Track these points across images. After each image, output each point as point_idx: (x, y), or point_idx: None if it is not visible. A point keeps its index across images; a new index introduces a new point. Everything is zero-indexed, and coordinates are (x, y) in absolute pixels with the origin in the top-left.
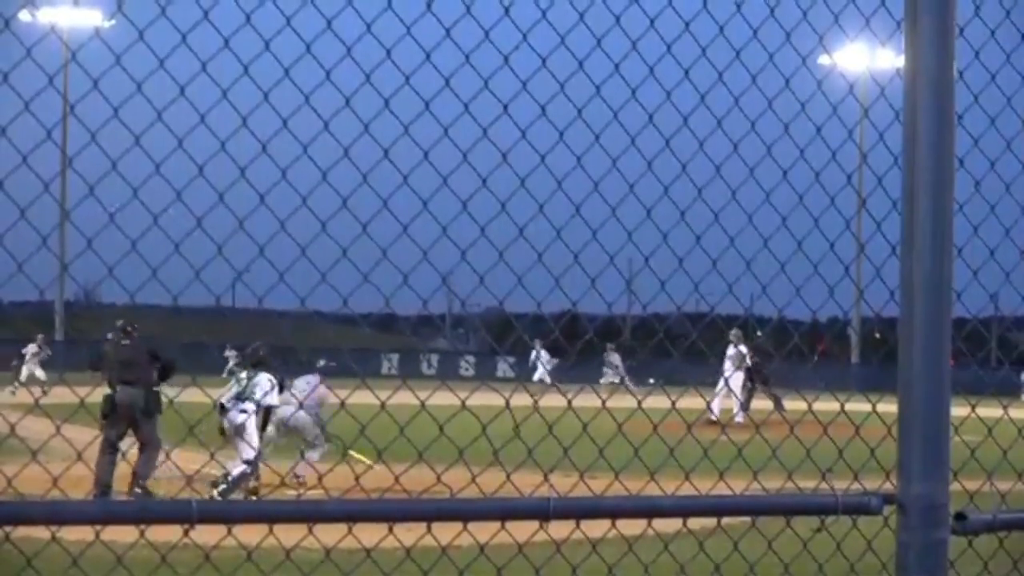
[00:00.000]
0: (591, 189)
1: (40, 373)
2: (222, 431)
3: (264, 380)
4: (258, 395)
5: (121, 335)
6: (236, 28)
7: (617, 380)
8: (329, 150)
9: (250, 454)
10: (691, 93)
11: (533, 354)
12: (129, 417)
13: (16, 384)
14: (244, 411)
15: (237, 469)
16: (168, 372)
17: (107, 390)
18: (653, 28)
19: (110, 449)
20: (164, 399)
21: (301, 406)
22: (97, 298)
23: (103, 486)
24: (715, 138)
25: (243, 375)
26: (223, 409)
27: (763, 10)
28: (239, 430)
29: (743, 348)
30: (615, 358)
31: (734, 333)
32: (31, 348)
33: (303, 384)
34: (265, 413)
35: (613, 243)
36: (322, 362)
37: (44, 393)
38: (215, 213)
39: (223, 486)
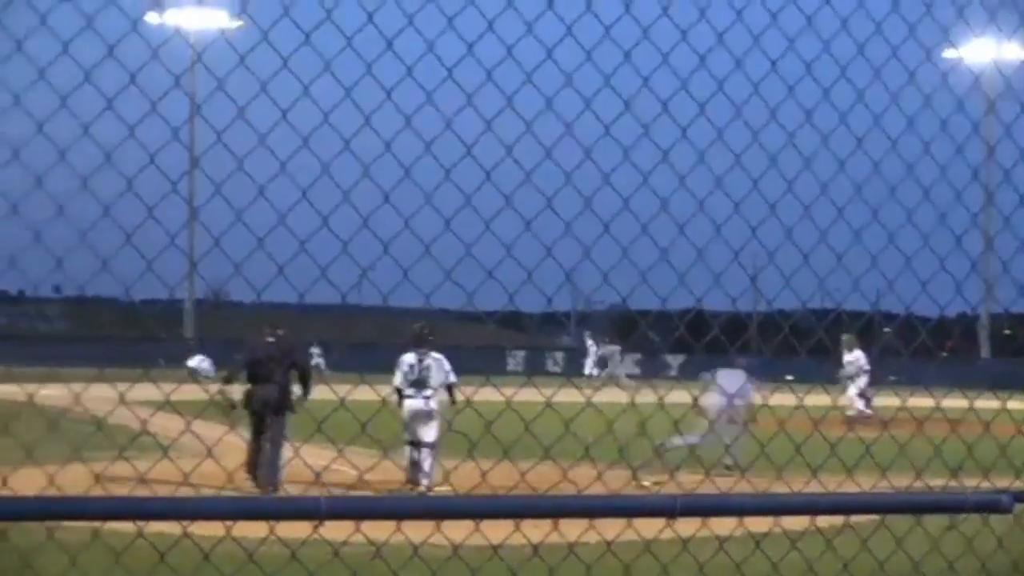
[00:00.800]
0: (714, 185)
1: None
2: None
3: (435, 360)
4: (438, 378)
5: (268, 334)
6: (359, 27)
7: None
8: (452, 148)
9: (434, 436)
10: (813, 88)
11: (590, 346)
12: (262, 413)
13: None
14: (428, 397)
15: (427, 461)
16: (306, 382)
17: (247, 385)
18: (775, 25)
19: (254, 439)
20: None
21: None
22: (225, 296)
23: (252, 472)
24: (839, 133)
25: (408, 359)
26: (400, 394)
27: (886, 3)
28: (428, 416)
29: (858, 353)
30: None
31: (846, 339)
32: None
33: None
34: (449, 389)
35: (737, 239)
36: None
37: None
38: (340, 211)
39: (426, 481)
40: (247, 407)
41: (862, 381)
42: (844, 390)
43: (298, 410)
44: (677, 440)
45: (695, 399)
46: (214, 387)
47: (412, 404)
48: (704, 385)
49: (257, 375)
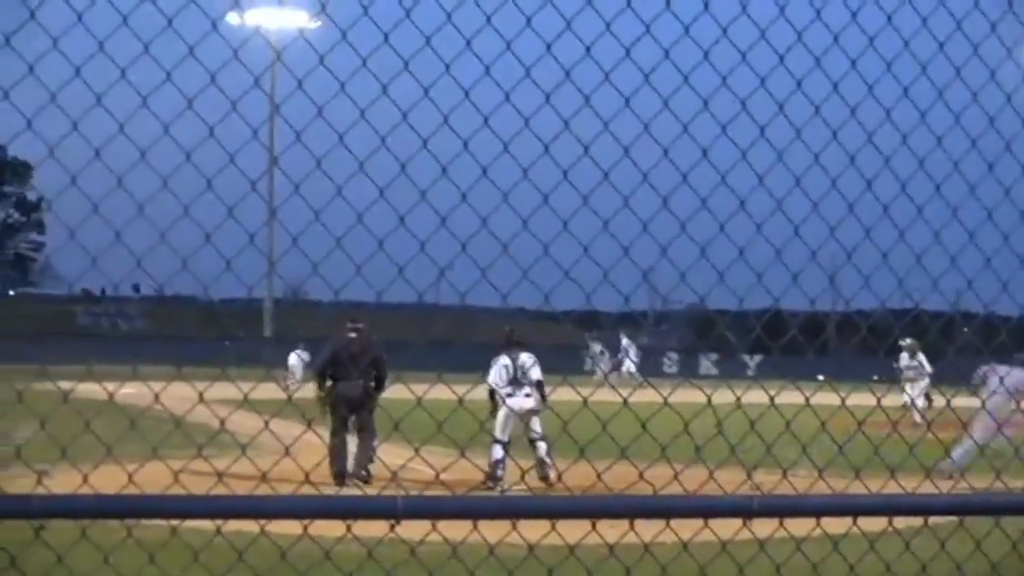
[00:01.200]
0: (792, 185)
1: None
2: (493, 413)
3: (529, 359)
4: (536, 375)
5: (349, 329)
6: (438, 26)
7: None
8: (529, 147)
9: (543, 429)
10: (893, 87)
11: (624, 344)
12: (350, 410)
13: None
14: (528, 394)
15: (544, 450)
16: (381, 380)
17: (329, 382)
18: (854, 23)
19: (339, 437)
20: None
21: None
22: (304, 295)
23: (337, 472)
24: (918, 133)
25: (503, 360)
26: (493, 395)
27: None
28: (533, 412)
29: (921, 357)
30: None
31: (908, 344)
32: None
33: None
34: (540, 388)
35: (816, 239)
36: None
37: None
38: (417, 210)
39: (552, 472)
40: (331, 405)
41: (921, 386)
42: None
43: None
44: (958, 454)
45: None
46: (303, 386)
47: (516, 402)
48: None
49: (341, 372)
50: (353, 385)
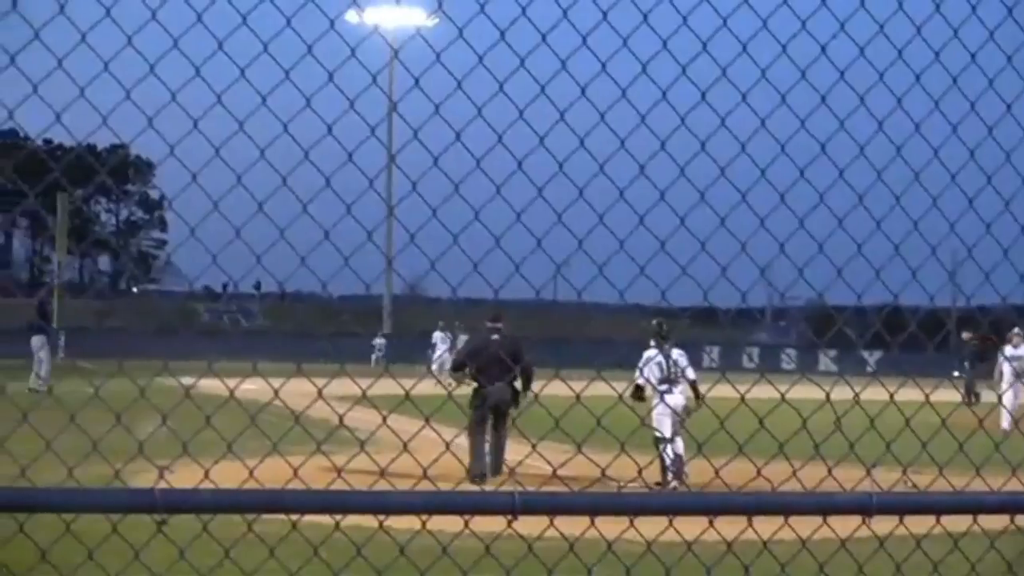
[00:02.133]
0: (911, 180)
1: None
2: (638, 397)
3: (681, 356)
4: (691, 374)
5: (491, 329)
6: (554, 23)
7: None
8: (646, 144)
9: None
10: (1014, 78)
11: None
12: (496, 412)
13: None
14: (683, 392)
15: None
16: (528, 381)
17: (473, 384)
18: (949, 20)
19: (479, 439)
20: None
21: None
22: (422, 292)
23: (478, 473)
24: None
25: (655, 356)
26: (638, 391)
27: None
28: (687, 410)
29: None
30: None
31: (1017, 332)
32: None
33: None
34: (693, 385)
35: (935, 234)
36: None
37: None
38: (534, 207)
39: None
40: (477, 408)
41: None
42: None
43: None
44: None
45: None
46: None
47: (673, 399)
48: None
49: (485, 374)
50: (500, 389)
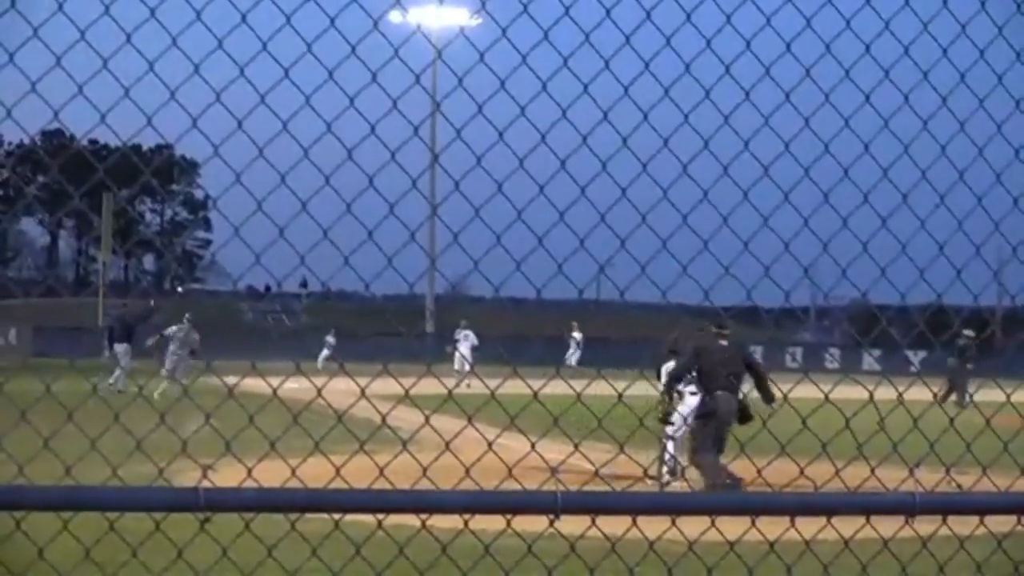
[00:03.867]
0: (956, 179)
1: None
2: (667, 419)
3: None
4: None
5: (717, 334)
6: (597, 22)
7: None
8: (689, 142)
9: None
10: None
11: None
12: (725, 423)
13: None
14: (694, 392)
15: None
16: (764, 384)
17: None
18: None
19: (712, 451)
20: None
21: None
22: (465, 291)
23: (718, 485)
24: None
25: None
26: (668, 395)
27: None
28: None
29: None
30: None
31: None
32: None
33: None
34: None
35: (980, 233)
36: None
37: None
38: (577, 207)
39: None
40: (705, 419)
41: None
42: None
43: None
44: None
45: None
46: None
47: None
48: None
49: (713, 384)
50: (729, 399)
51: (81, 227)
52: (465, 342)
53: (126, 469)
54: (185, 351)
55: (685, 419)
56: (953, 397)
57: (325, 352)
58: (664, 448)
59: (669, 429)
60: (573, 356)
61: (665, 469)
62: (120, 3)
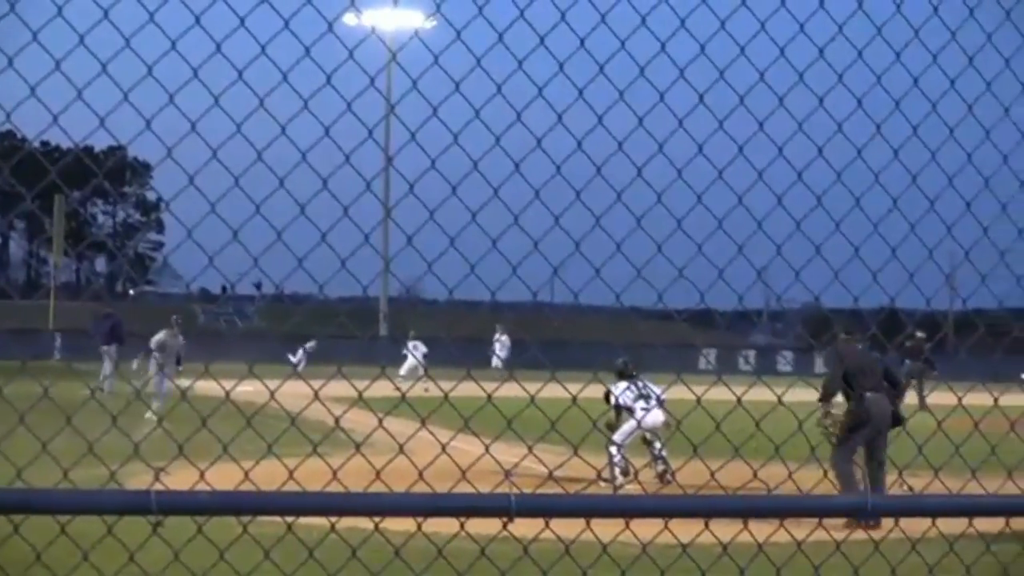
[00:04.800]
0: (909, 182)
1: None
2: (611, 426)
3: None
4: (657, 390)
5: (857, 339)
6: (552, 26)
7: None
8: (643, 145)
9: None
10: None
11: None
12: (880, 428)
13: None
14: (645, 408)
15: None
16: (899, 391)
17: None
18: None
19: (851, 462)
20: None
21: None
22: (419, 294)
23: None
24: None
25: (624, 385)
26: (618, 413)
27: None
28: (665, 425)
29: None
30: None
31: None
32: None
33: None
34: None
35: (932, 236)
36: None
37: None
38: (531, 210)
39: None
40: (855, 430)
41: None
42: None
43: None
44: None
45: None
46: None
47: (651, 418)
48: None
49: (862, 386)
50: (880, 400)
51: (32, 229)
52: (416, 352)
53: (78, 472)
54: (172, 359)
55: (629, 434)
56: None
57: (301, 358)
58: (610, 454)
59: (618, 436)
60: (497, 358)
61: (618, 471)
62: (73, 4)
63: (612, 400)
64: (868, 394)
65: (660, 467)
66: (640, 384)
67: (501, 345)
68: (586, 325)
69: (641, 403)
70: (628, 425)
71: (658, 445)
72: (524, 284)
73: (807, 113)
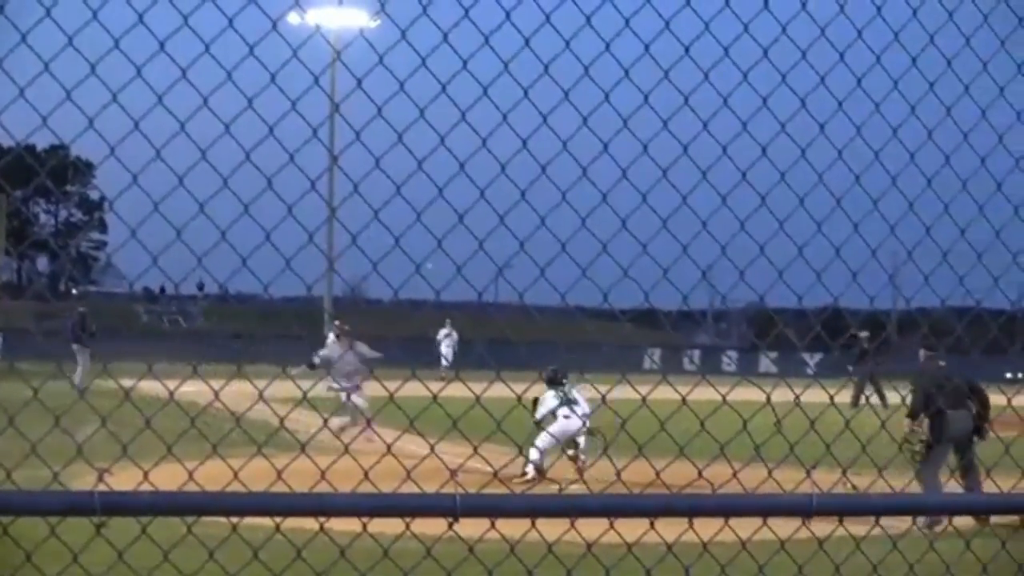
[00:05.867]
0: (853, 182)
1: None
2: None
3: (578, 391)
4: (586, 408)
5: (929, 357)
6: (496, 25)
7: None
8: (588, 145)
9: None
10: (953, 83)
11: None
12: (961, 443)
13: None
14: (567, 416)
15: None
16: (987, 408)
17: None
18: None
19: (937, 476)
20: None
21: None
22: (363, 294)
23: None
24: (980, 129)
25: (552, 394)
26: (538, 423)
27: None
28: (583, 431)
29: None
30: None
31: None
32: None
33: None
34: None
35: (876, 236)
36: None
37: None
38: (476, 209)
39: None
40: (937, 441)
41: None
42: None
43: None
44: None
45: None
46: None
47: (572, 424)
48: None
49: (944, 404)
50: (960, 417)
51: None
52: (446, 342)
53: (20, 473)
54: (350, 375)
55: (556, 439)
56: (873, 397)
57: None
58: (528, 456)
59: (540, 442)
60: (444, 357)
61: (531, 467)
62: (14, 1)
63: (538, 407)
64: (949, 412)
65: (571, 452)
66: (566, 391)
67: (450, 340)
68: (531, 325)
69: (564, 410)
70: (556, 429)
71: (581, 443)
72: (468, 283)
73: (751, 113)
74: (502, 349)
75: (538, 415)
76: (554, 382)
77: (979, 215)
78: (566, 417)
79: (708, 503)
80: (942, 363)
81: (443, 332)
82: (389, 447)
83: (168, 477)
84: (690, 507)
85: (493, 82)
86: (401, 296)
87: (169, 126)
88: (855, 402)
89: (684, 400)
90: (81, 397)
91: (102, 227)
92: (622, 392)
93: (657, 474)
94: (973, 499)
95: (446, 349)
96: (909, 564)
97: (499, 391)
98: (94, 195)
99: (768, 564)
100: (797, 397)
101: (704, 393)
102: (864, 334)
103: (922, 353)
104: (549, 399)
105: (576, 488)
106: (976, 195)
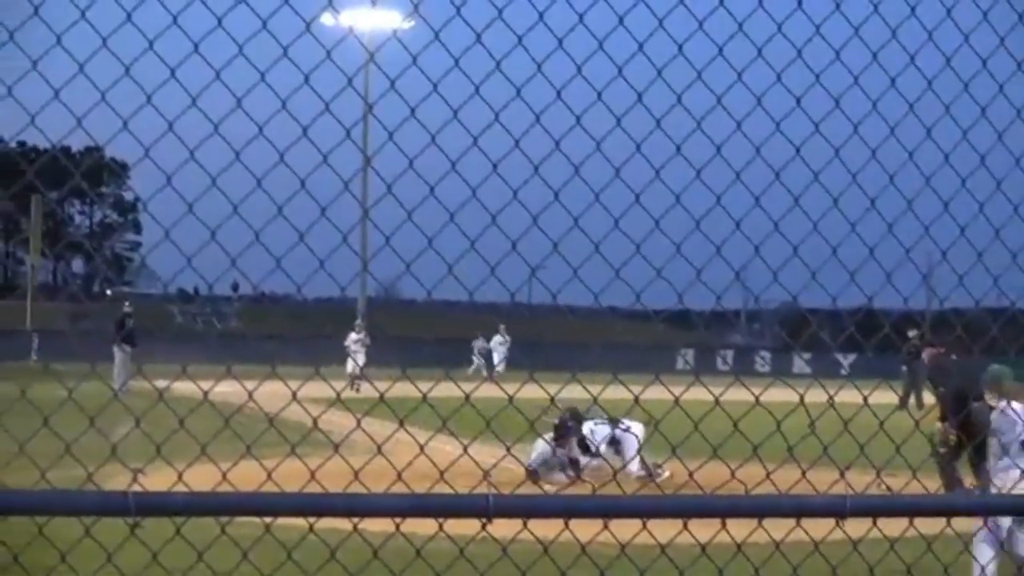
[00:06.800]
0: (887, 182)
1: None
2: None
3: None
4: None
5: (933, 345)
6: (530, 26)
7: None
8: (621, 146)
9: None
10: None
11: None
12: (979, 434)
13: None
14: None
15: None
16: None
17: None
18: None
19: (957, 468)
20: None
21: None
22: (397, 294)
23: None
24: (1015, 128)
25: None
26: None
27: None
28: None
29: None
30: (481, 343)
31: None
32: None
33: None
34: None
35: (909, 237)
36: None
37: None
38: (510, 210)
39: None
40: (970, 437)
41: None
42: None
43: None
44: None
45: None
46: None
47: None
48: None
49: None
50: (983, 407)
51: (9, 229)
52: (498, 348)
53: (55, 473)
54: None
55: (542, 458)
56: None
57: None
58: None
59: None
60: (484, 366)
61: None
62: (49, 4)
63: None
64: (975, 404)
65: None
66: (590, 433)
67: (503, 348)
68: (564, 325)
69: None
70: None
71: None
72: (502, 284)
73: (784, 113)
74: (534, 350)
75: (529, 463)
76: (560, 429)
77: (1014, 215)
78: (616, 453)
79: (744, 504)
80: (953, 356)
81: (497, 339)
82: (423, 447)
83: (202, 477)
84: (726, 508)
85: (527, 83)
86: (435, 296)
87: (203, 127)
88: (903, 403)
89: (717, 401)
90: (115, 398)
91: (136, 228)
92: (655, 393)
93: (691, 475)
94: (1011, 501)
95: (498, 358)
96: (944, 565)
97: (532, 392)
98: (128, 196)
99: (802, 565)
100: (831, 397)
101: (737, 394)
102: (913, 332)
103: (926, 352)
104: (540, 445)
105: (609, 489)
106: (1011, 195)
